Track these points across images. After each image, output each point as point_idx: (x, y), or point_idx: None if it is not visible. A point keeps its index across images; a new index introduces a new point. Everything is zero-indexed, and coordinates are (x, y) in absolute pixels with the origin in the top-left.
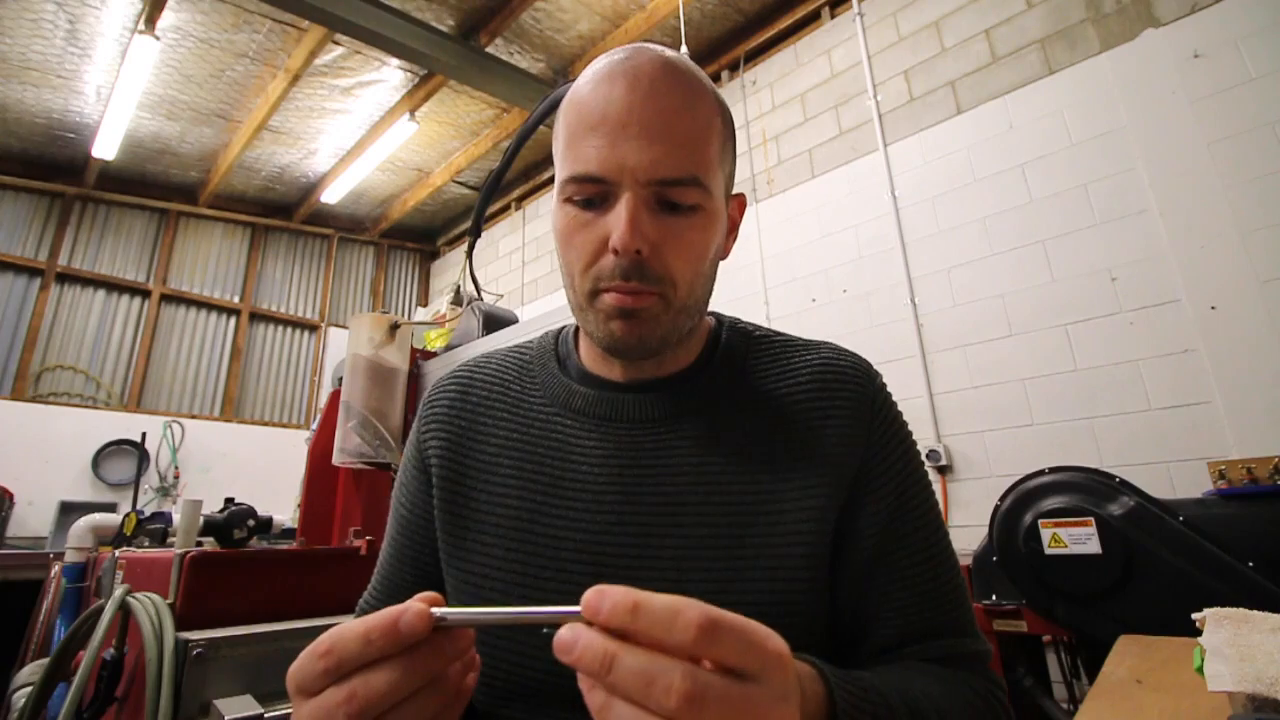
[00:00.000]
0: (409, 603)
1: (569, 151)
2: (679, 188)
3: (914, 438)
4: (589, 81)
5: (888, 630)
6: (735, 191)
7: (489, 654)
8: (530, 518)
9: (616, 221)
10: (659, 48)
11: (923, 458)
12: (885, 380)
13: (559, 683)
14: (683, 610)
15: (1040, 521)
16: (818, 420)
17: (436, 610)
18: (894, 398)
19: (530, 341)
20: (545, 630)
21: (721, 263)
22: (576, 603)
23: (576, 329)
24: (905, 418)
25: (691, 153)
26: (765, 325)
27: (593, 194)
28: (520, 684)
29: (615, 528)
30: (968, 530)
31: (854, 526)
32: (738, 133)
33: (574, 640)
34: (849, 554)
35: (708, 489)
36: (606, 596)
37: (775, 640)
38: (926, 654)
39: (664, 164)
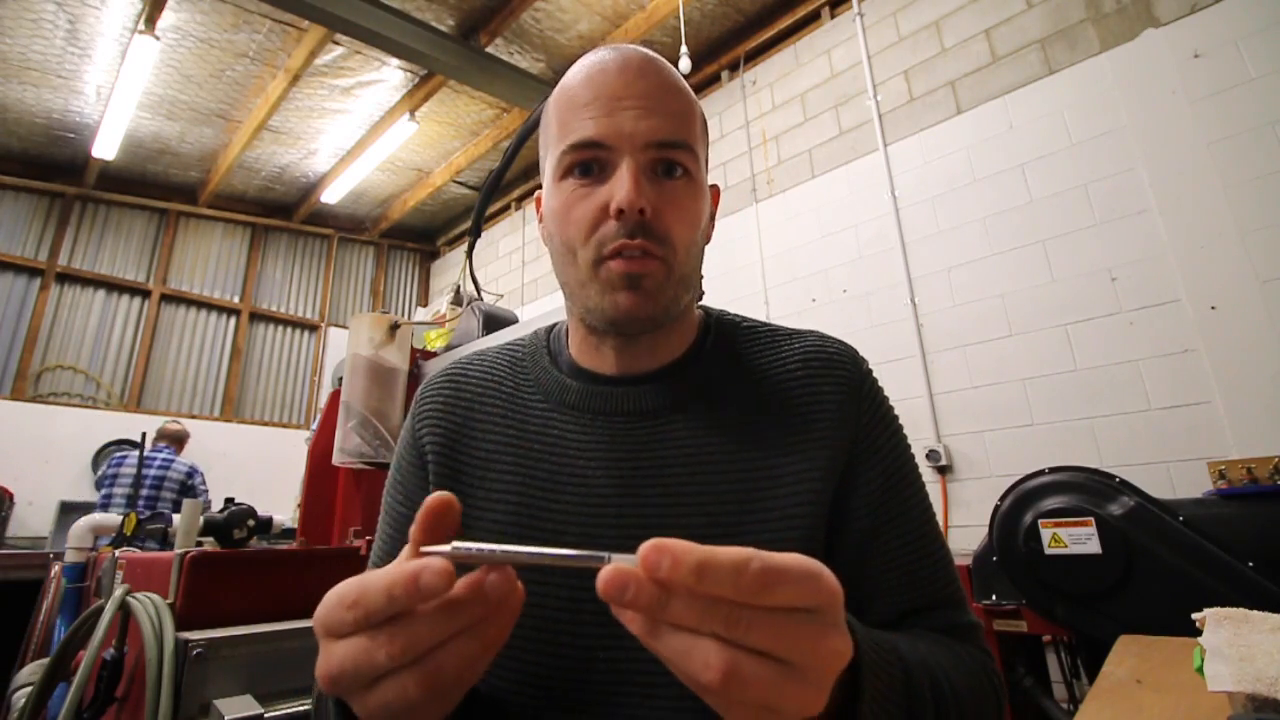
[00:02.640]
0: (428, 560)
1: (563, 129)
2: (675, 150)
3: (900, 421)
4: (577, 72)
5: (885, 606)
6: (725, 192)
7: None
8: (529, 514)
9: (619, 185)
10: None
11: (912, 447)
12: (880, 374)
13: (569, 677)
14: (744, 567)
15: (1040, 521)
16: (808, 405)
17: (460, 545)
18: (894, 397)
19: (522, 339)
20: (571, 562)
21: (722, 263)
22: (579, 590)
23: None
24: (906, 418)
25: (681, 122)
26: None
27: (591, 160)
28: (531, 676)
29: (614, 521)
30: (968, 530)
31: (846, 506)
32: (737, 133)
33: (625, 582)
34: (843, 534)
35: (704, 479)
36: (666, 553)
37: (829, 578)
38: (925, 627)
39: (659, 129)
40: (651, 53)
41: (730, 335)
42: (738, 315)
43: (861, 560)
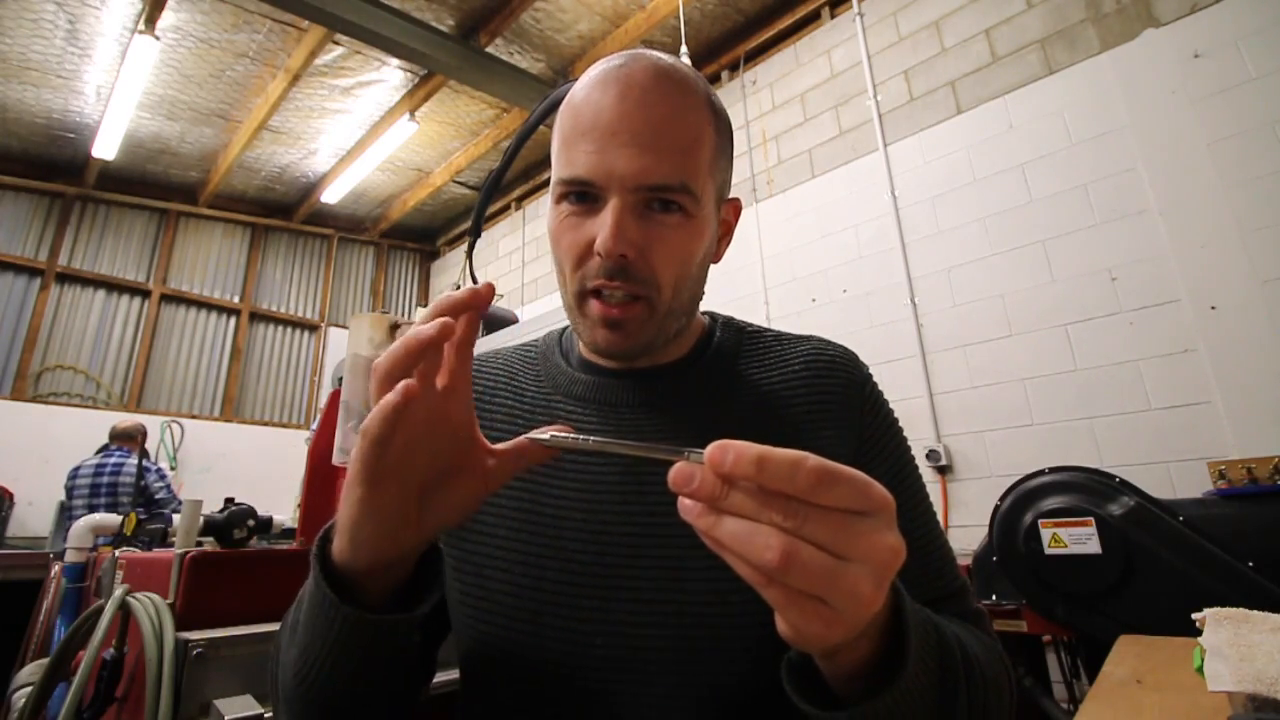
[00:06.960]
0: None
1: (562, 154)
2: (666, 193)
3: (899, 422)
4: (584, 87)
5: None
6: (732, 196)
7: (495, 633)
8: (532, 498)
9: (602, 225)
10: (655, 54)
11: (912, 447)
12: (880, 374)
13: (564, 664)
14: (801, 462)
15: (1040, 521)
16: (811, 406)
17: (550, 431)
18: (894, 397)
19: (536, 339)
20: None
21: (721, 263)
22: (579, 579)
23: None
24: (906, 418)
25: (680, 161)
26: (763, 324)
27: (582, 193)
28: (525, 661)
29: (618, 507)
30: (968, 530)
31: None
32: (737, 133)
33: (691, 473)
34: None
35: None
36: (730, 449)
37: (881, 489)
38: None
39: (652, 171)
40: (667, 64)
41: (734, 338)
42: (742, 321)
43: None
